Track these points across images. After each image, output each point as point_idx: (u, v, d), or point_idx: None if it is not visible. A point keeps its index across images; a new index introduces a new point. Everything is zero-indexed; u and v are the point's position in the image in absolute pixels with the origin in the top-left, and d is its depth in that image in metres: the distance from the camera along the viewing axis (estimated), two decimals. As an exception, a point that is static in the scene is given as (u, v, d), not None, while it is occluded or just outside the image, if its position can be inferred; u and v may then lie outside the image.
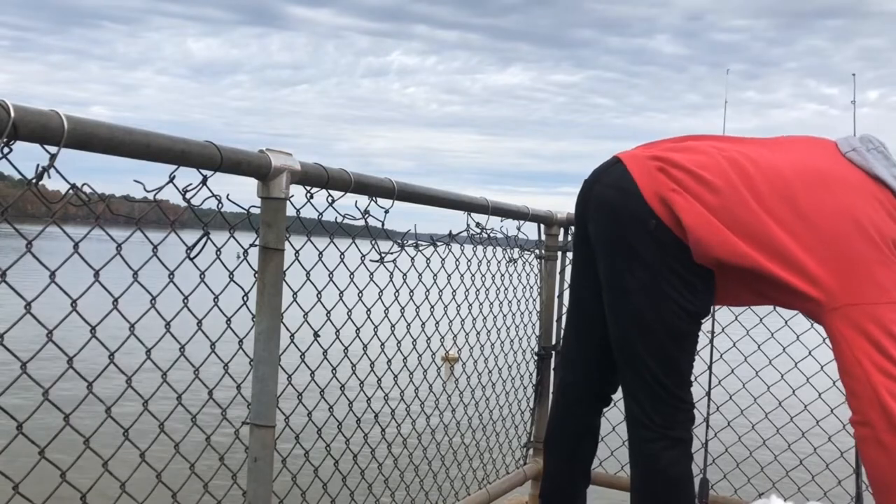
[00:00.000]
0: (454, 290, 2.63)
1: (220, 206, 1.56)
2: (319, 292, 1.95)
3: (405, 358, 2.42)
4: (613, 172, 2.09)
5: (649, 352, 2.04)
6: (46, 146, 1.22)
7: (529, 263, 3.12)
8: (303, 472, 2.00)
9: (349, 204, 1.93)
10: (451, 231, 2.48)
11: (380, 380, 2.29)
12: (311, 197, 1.83)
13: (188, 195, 1.50)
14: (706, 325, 2.24)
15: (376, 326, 2.21)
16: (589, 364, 2.27)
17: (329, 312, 2.02)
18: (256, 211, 1.68)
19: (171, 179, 1.46)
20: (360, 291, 2.12)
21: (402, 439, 2.49)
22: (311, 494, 2.03)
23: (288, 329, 1.80)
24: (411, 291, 2.34)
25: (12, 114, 1.14)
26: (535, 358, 3.17)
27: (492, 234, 2.71)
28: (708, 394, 2.79)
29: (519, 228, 2.96)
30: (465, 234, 2.56)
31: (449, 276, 2.55)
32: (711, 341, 2.72)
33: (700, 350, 2.18)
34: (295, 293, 1.82)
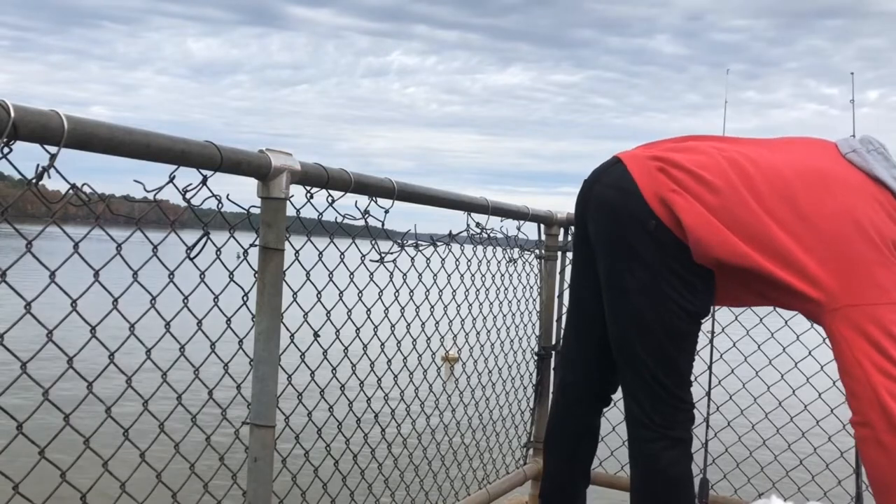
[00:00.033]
0: (454, 290, 2.63)
1: (220, 206, 1.56)
2: (319, 292, 1.95)
3: (405, 358, 2.42)
4: (613, 172, 2.09)
5: (649, 352, 2.04)
6: (46, 146, 1.22)
7: (529, 263, 3.12)
8: (303, 472, 2.00)
9: (349, 204, 1.94)
10: (451, 231, 2.48)
11: (380, 380, 2.29)
12: (311, 197, 1.83)
13: (188, 195, 1.50)
14: (706, 325, 2.24)
15: (376, 326, 2.21)
16: (589, 364, 2.27)
17: (329, 312, 2.02)
18: (256, 211, 1.68)
19: (171, 179, 1.46)
20: (360, 291, 2.12)
21: (402, 439, 2.49)
22: (311, 494, 2.03)
23: (288, 329, 1.80)
24: (411, 291, 2.34)
25: (12, 114, 1.14)
26: (535, 358, 3.17)
27: (492, 234, 2.71)
28: (708, 394, 2.79)
29: (519, 228, 2.96)
30: (465, 234, 2.56)
31: (449, 276, 2.55)
32: (711, 341, 2.72)
33: (700, 350, 2.18)
34: (295, 293, 1.82)
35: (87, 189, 1.33)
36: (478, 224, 2.59)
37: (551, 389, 3.06)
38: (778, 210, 1.94)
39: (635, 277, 2.02)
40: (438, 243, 2.44)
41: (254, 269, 1.71)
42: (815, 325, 2.07)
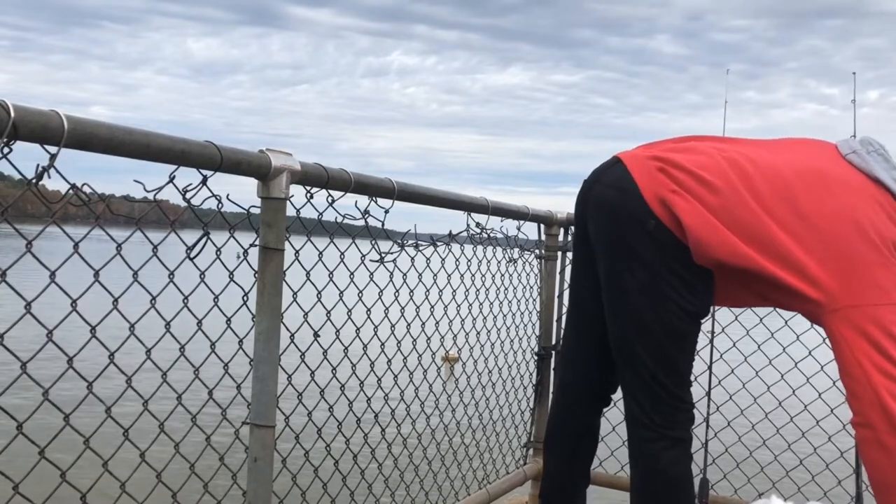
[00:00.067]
0: (454, 291, 2.63)
1: (220, 206, 1.56)
2: (319, 292, 1.95)
3: (405, 358, 2.42)
4: (613, 172, 2.09)
5: (648, 352, 2.04)
6: (46, 146, 1.22)
7: (529, 263, 3.12)
8: (303, 472, 2.00)
9: (349, 204, 1.94)
10: (451, 231, 2.48)
11: (380, 380, 2.29)
12: (311, 197, 1.83)
13: (188, 195, 1.50)
14: (706, 325, 2.24)
15: (376, 326, 2.21)
16: (589, 364, 2.27)
17: (329, 312, 2.02)
18: (256, 211, 1.68)
19: (171, 179, 1.46)
20: (360, 291, 2.12)
21: (402, 439, 2.49)
22: (311, 494, 2.03)
23: (288, 329, 1.80)
24: (411, 291, 2.34)
25: (12, 114, 1.14)
26: (535, 358, 3.17)
27: (492, 234, 2.71)
28: (708, 394, 2.79)
29: (519, 228, 2.96)
30: (465, 234, 2.56)
31: (449, 276, 2.55)
32: (711, 341, 2.72)
33: (700, 350, 2.18)
34: (295, 293, 1.82)
35: (87, 189, 1.33)
36: (478, 224, 2.59)
37: (551, 389, 3.06)
38: (778, 210, 1.94)
39: (635, 277, 2.02)
40: (438, 243, 2.44)
41: (254, 269, 1.71)
42: (815, 326, 2.07)
